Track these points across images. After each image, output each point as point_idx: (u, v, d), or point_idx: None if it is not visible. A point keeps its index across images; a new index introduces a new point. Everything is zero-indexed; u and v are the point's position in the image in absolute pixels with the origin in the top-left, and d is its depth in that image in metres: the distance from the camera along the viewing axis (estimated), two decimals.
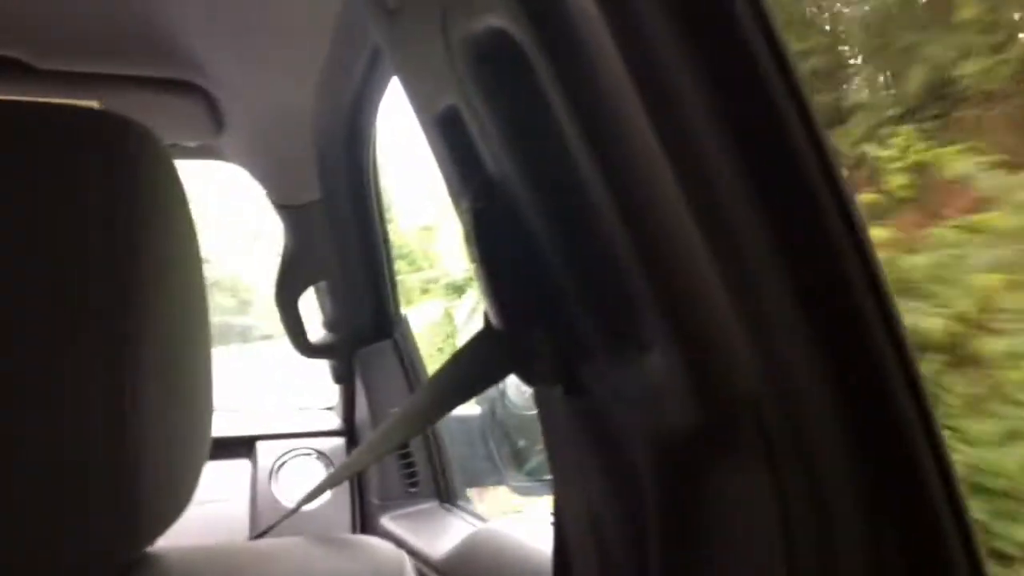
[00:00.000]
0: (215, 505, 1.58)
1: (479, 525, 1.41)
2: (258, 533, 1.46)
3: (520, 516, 1.19)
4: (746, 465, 0.44)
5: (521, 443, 1.47)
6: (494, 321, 0.55)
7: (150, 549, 0.54)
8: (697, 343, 0.43)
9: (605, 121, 0.42)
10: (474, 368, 0.58)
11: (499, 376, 0.59)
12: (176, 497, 0.53)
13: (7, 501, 0.45)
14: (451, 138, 0.57)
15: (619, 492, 0.53)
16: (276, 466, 1.65)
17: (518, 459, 1.48)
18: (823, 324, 0.42)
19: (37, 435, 0.45)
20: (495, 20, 0.45)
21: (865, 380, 0.43)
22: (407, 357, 1.61)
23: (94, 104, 1.17)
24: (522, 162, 0.51)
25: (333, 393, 1.80)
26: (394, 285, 1.59)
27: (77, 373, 0.46)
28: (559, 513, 0.61)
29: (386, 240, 1.55)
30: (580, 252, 0.50)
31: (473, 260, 0.55)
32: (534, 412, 1.28)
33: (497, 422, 1.52)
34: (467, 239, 0.55)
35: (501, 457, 1.49)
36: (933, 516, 0.43)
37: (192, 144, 1.41)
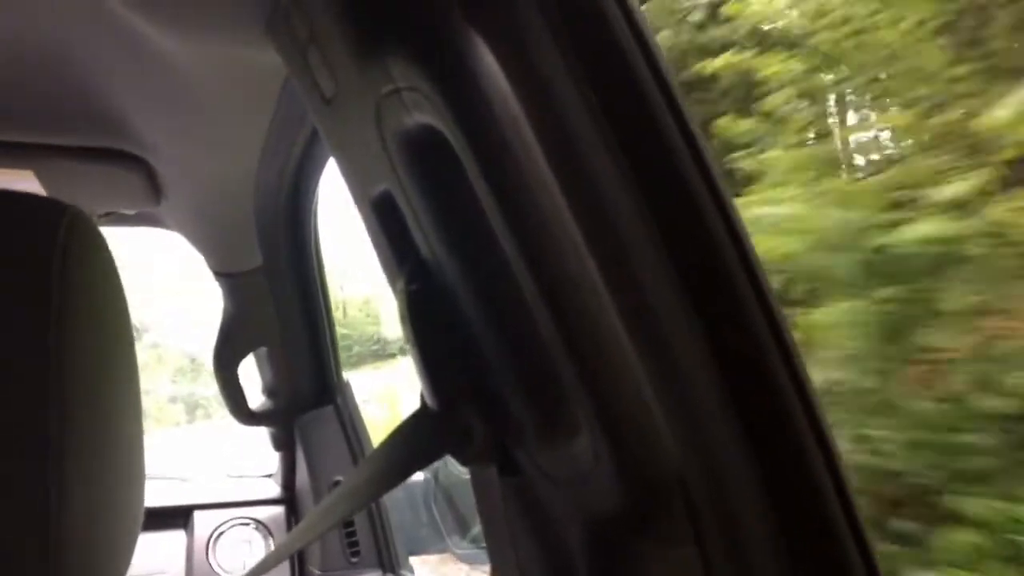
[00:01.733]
0: None
1: None
2: None
3: None
4: (673, 540, 0.45)
5: (465, 509, 1.45)
6: (428, 401, 0.56)
7: None
8: (623, 426, 0.45)
9: (529, 215, 0.44)
10: (409, 448, 0.59)
11: (434, 456, 0.60)
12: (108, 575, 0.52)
13: None
14: (386, 221, 0.58)
15: (552, 569, 0.54)
16: (213, 537, 1.61)
17: (462, 525, 1.46)
18: (743, 405, 0.44)
19: None
20: (425, 119, 0.47)
21: (784, 455, 0.45)
22: (349, 423, 1.59)
23: (28, 173, 1.16)
24: (453, 248, 0.52)
25: (272, 461, 1.77)
26: (336, 351, 1.58)
27: (2, 452, 0.45)
28: None
29: (327, 306, 1.54)
30: (509, 336, 0.52)
31: (407, 340, 0.56)
32: None
33: (440, 487, 1.51)
34: (401, 319, 0.56)
35: (445, 523, 1.47)
36: None
37: (130, 212, 1.39)
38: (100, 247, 0.53)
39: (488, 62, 0.43)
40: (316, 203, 1.38)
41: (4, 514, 0.45)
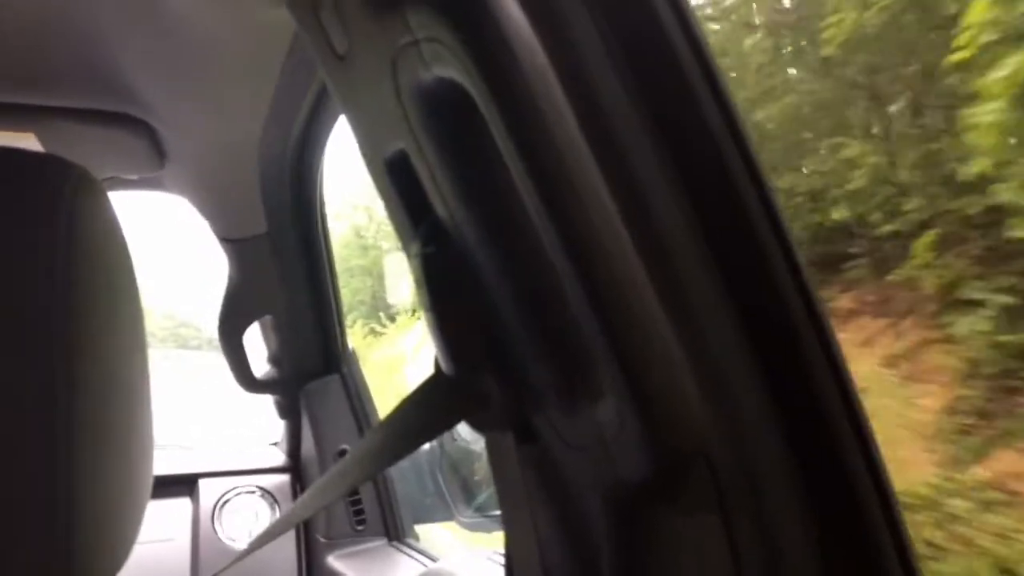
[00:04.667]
0: (156, 546, 1.53)
1: (428, 564, 1.39)
2: None
3: (469, 555, 1.18)
4: (697, 510, 0.44)
5: (470, 478, 1.45)
6: (444, 367, 0.55)
7: None
8: (648, 393, 0.43)
9: (556, 172, 0.43)
10: (424, 415, 0.57)
11: (449, 423, 0.59)
12: (116, 546, 0.51)
13: None
14: (400, 182, 0.56)
15: (570, 537, 0.53)
16: (219, 504, 1.61)
17: (467, 494, 1.46)
18: (770, 372, 0.43)
19: None
20: (445, 71, 0.46)
21: (812, 425, 0.44)
22: (354, 392, 1.59)
23: (29, 135, 1.14)
24: (472, 209, 0.51)
25: (277, 428, 1.77)
26: (341, 319, 1.58)
27: (9, 417, 0.44)
28: (510, 557, 0.60)
29: (333, 274, 1.53)
30: (531, 300, 0.50)
31: (423, 305, 0.55)
32: (483, 445, 1.28)
33: (446, 456, 1.51)
34: (417, 284, 0.55)
35: (450, 492, 1.47)
36: (880, 557, 0.44)
37: (133, 176, 1.37)
38: (106, 208, 0.52)
39: (513, 10, 0.41)
40: (322, 168, 1.36)
41: (13, 481, 0.44)
